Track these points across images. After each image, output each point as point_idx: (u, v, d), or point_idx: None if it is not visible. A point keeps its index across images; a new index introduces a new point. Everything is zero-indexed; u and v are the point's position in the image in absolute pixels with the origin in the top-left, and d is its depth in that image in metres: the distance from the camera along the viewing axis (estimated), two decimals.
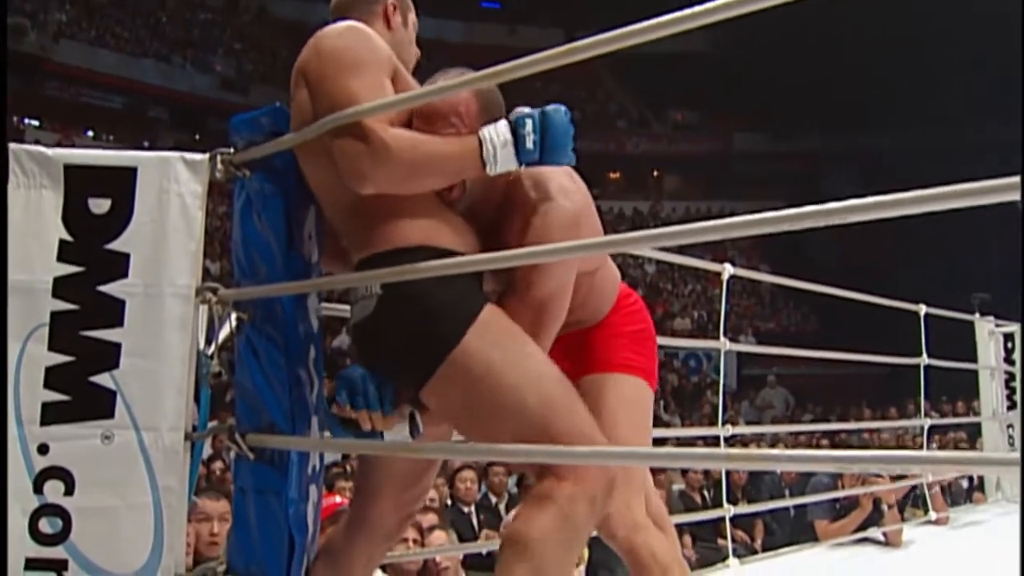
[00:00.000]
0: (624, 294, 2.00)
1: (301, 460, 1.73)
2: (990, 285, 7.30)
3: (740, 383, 14.39)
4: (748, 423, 10.89)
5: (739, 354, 13.16)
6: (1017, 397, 5.91)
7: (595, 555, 3.53)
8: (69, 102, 18.27)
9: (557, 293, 1.64)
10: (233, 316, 1.75)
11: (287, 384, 1.71)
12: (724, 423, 3.70)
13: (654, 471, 2.22)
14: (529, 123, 1.55)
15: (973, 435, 7.34)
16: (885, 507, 4.45)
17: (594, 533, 1.73)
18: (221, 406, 5.14)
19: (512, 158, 1.55)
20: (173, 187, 1.74)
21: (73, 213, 1.73)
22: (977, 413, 6.44)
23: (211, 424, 1.80)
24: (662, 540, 1.89)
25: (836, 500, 4.45)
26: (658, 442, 3.03)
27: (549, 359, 1.60)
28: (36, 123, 16.46)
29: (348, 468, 4.34)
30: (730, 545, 3.72)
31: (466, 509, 4.53)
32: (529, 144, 1.54)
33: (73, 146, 3.76)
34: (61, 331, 1.68)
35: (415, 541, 3.16)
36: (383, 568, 2.88)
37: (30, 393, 1.67)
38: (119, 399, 1.67)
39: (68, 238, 1.72)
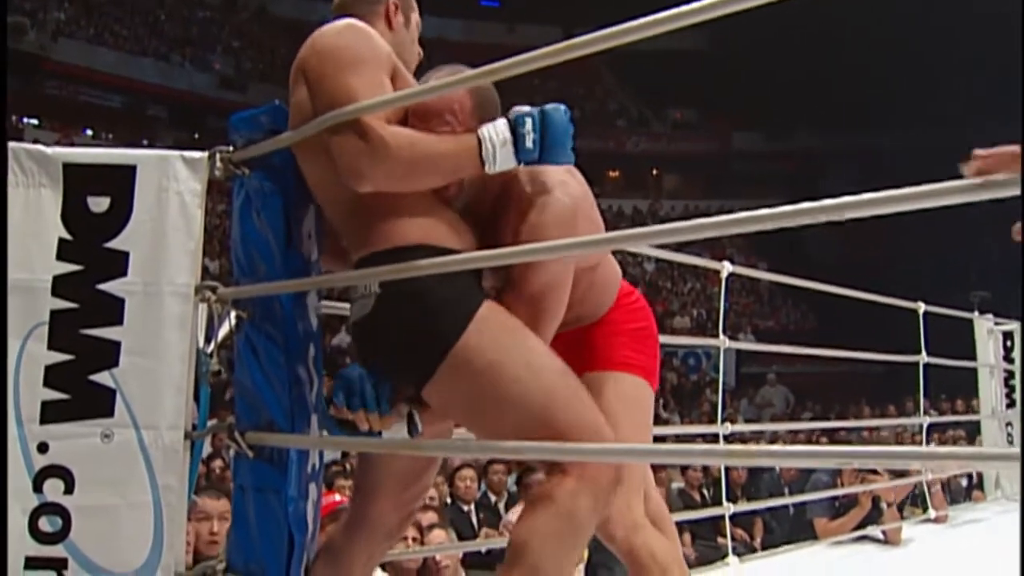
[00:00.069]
0: (626, 291, 1.98)
1: (300, 458, 1.73)
2: (989, 282, 7.31)
3: (739, 381, 14.38)
4: (747, 421, 10.89)
5: (738, 352, 13.15)
6: (1016, 395, 5.91)
7: (595, 555, 3.53)
8: (68, 101, 18.25)
9: (553, 287, 1.62)
10: (232, 314, 1.74)
11: (286, 382, 1.71)
12: (723, 421, 3.70)
13: (654, 469, 2.22)
14: (529, 122, 1.54)
15: (972, 433, 7.34)
16: (884, 505, 4.45)
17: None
18: (221, 404, 5.15)
19: (511, 157, 1.55)
20: (172, 185, 1.74)
21: (72, 212, 1.73)
22: (976, 411, 6.43)
23: (211, 422, 1.80)
24: (661, 540, 1.88)
25: (835, 498, 4.44)
26: (658, 440, 3.02)
27: (551, 351, 1.60)
28: (35, 122, 16.44)
29: (348, 466, 4.34)
30: (729, 543, 3.72)
31: (466, 507, 4.54)
32: (529, 143, 1.54)
33: (72, 145, 3.75)
34: (61, 330, 1.68)
35: (415, 539, 3.16)
36: (383, 566, 2.87)
37: (30, 392, 1.67)
38: (119, 397, 1.67)
39: (67, 237, 1.72)
